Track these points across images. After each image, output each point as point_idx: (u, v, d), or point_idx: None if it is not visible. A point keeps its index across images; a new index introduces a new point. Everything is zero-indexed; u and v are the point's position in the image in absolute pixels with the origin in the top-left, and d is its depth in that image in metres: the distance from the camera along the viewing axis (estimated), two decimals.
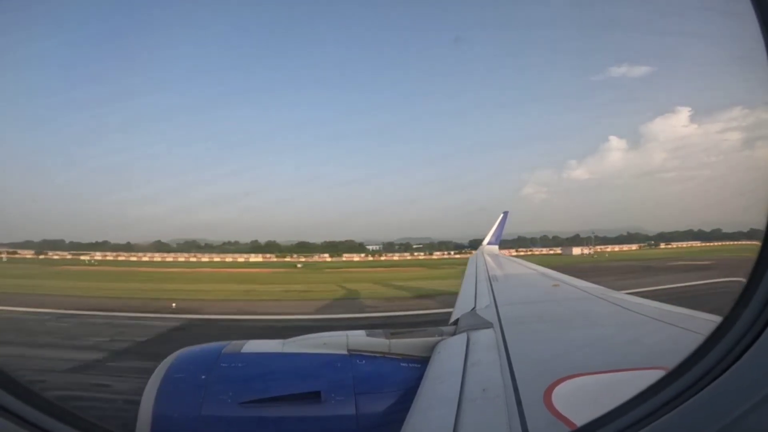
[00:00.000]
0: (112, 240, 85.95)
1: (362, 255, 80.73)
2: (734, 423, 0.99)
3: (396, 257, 79.21)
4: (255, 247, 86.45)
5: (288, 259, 74.22)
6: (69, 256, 70.18)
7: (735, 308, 1.15)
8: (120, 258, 71.27)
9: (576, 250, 72.52)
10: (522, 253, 75.21)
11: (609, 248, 77.10)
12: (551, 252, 79.93)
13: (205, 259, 73.68)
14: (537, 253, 78.85)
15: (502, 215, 19.37)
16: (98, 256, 70.59)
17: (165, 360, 2.68)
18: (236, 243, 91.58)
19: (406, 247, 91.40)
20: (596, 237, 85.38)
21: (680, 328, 2.79)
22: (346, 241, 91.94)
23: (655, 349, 2.48)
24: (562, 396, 1.85)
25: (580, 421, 1.51)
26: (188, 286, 28.94)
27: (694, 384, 1.11)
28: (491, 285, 6.04)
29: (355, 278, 36.30)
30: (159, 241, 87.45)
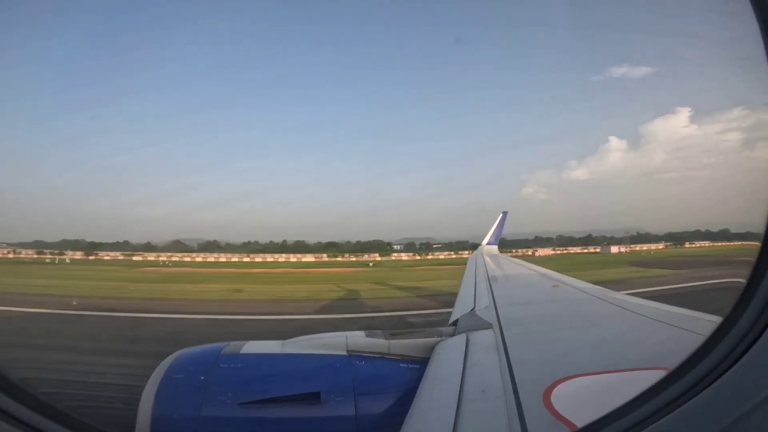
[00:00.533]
0: (132, 240, 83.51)
1: (410, 254, 79.79)
2: (735, 424, 0.99)
3: (442, 256, 78.07)
4: (284, 247, 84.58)
5: (340, 258, 72.95)
6: (121, 257, 67.47)
7: (735, 309, 1.15)
8: (184, 259, 67.62)
9: (614, 249, 73.28)
10: (560, 252, 76.08)
11: (638, 247, 76.57)
12: (586, 251, 79.82)
13: (258, 259, 70.74)
14: (573, 251, 79.26)
15: (501, 215, 19.38)
16: (163, 257, 66.22)
17: (164, 361, 2.67)
18: (256, 243, 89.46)
19: (427, 246, 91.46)
20: (603, 237, 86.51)
21: (680, 329, 2.79)
22: (374, 240, 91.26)
23: (655, 350, 2.48)
24: (562, 397, 1.84)
25: (580, 422, 1.51)
26: (363, 286, 27.63)
27: (694, 385, 1.10)
28: (490, 286, 6.04)
29: (454, 274, 35.80)
30: (178, 241, 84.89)
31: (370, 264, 59.02)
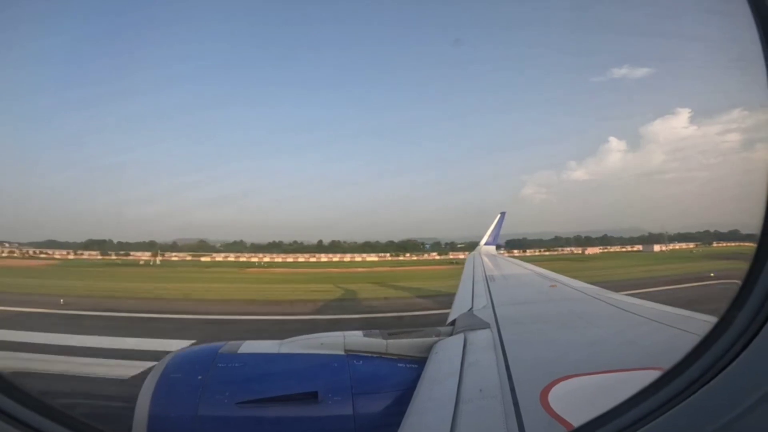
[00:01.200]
0: (159, 240, 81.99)
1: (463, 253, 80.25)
2: (729, 424, 0.99)
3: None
4: (320, 248, 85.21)
5: (404, 257, 74.22)
6: (189, 258, 66.67)
7: (731, 309, 1.16)
8: (275, 260, 67.57)
9: (657, 248, 75.10)
10: (600, 251, 77.91)
11: (670, 246, 77.66)
12: (628, 250, 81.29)
13: (324, 259, 71.10)
14: (614, 250, 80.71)
15: (499, 216, 19.44)
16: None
17: (161, 360, 2.66)
18: (280, 243, 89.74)
19: (452, 246, 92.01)
20: (612, 237, 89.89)
21: (677, 329, 2.80)
22: (408, 240, 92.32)
23: (651, 350, 2.48)
24: (559, 396, 1.85)
25: (576, 421, 1.51)
26: None
27: (690, 385, 1.11)
28: (488, 285, 6.06)
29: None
30: (203, 241, 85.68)
31: (455, 262, 59.87)
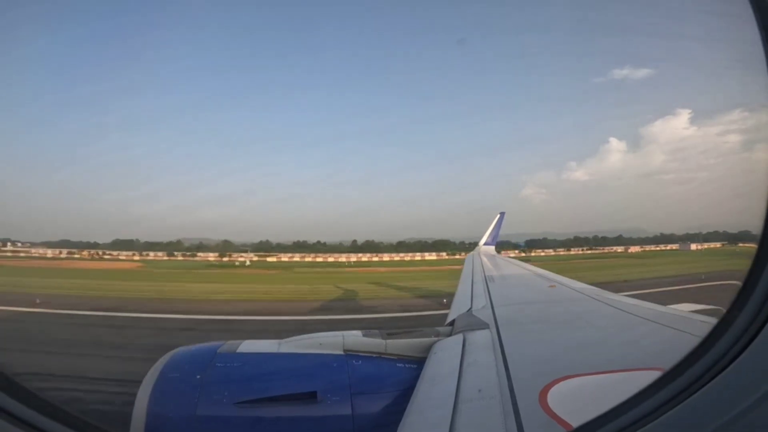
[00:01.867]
0: (184, 240, 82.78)
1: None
2: (729, 424, 0.99)
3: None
4: (354, 247, 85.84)
5: (460, 255, 74.22)
6: (255, 258, 66.51)
7: (731, 310, 1.16)
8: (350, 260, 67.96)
9: (693, 246, 76.23)
10: (641, 250, 79.16)
11: (699, 245, 78.20)
12: (664, 248, 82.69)
13: (376, 258, 72.20)
14: (649, 249, 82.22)
15: (498, 216, 19.45)
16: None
17: (160, 359, 2.66)
18: (304, 242, 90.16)
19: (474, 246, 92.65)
20: (624, 238, 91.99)
21: (676, 330, 2.80)
22: (440, 240, 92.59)
23: (651, 351, 2.48)
24: (558, 397, 1.85)
25: (575, 422, 1.51)
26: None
27: (690, 385, 1.11)
28: (487, 286, 6.05)
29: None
30: (227, 241, 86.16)
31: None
